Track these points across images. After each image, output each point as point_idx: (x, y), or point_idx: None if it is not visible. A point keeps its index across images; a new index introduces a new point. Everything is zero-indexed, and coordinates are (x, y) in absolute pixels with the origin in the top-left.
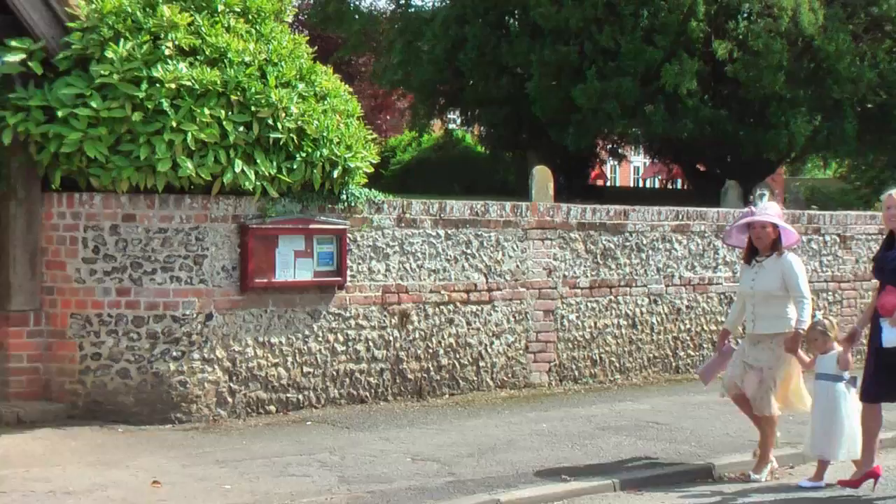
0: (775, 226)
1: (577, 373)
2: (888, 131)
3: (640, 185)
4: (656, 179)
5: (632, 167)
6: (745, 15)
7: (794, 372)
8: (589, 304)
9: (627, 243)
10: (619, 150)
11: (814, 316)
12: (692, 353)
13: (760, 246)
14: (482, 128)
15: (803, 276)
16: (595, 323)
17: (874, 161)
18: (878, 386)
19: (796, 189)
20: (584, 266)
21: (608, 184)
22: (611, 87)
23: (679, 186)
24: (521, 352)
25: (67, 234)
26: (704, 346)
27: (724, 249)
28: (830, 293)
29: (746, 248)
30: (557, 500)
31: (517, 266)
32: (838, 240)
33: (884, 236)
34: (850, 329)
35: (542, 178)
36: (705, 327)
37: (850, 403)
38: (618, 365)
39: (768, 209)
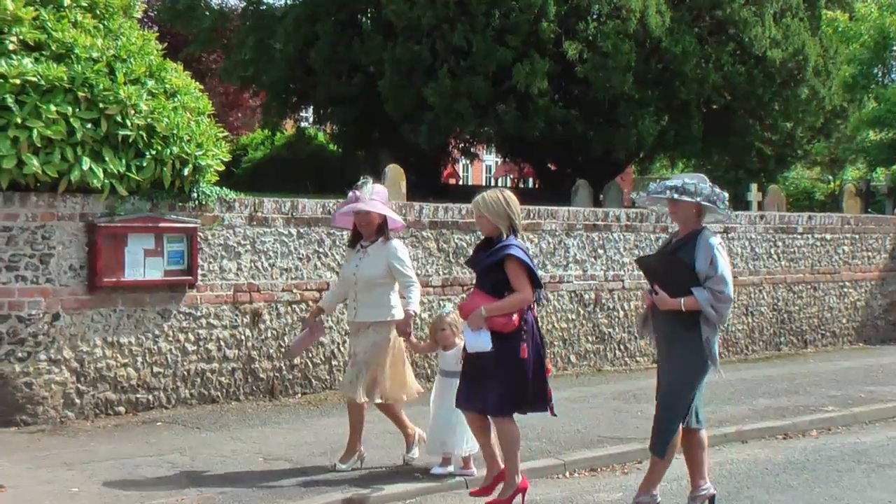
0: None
1: (429, 371)
2: (732, 132)
3: (493, 183)
4: (508, 178)
5: (484, 166)
6: (595, 16)
7: (398, 360)
8: (442, 301)
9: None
10: (472, 149)
11: (443, 307)
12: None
13: (365, 232)
14: (334, 126)
15: (407, 261)
16: None
17: (719, 161)
18: (461, 391)
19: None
20: (437, 264)
21: (461, 182)
22: (463, 86)
23: (531, 185)
24: None
25: None
26: (555, 344)
27: (574, 248)
28: None
29: (351, 233)
30: (410, 497)
31: None
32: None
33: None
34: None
35: (394, 176)
36: (556, 325)
37: None
38: None
39: (375, 195)
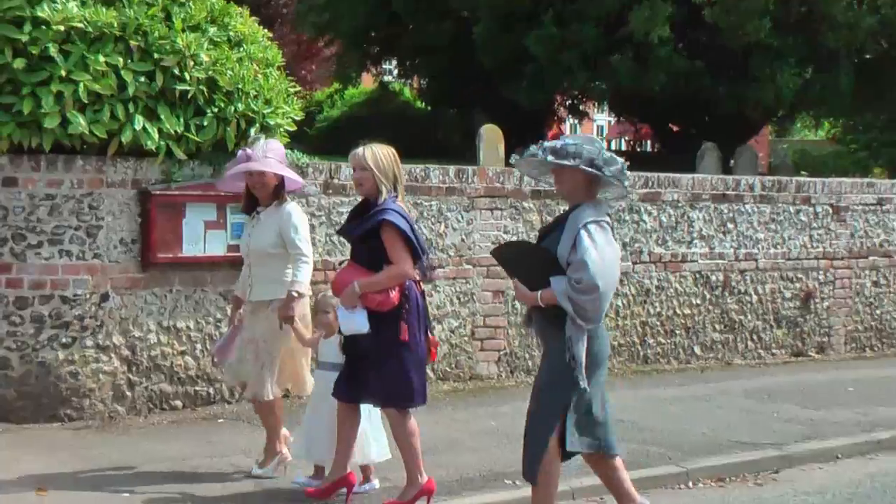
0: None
1: (530, 363)
2: (888, 86)
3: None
4: (622, 141)
5: (595, 126)
6: None
7: (297, 349)
8: None
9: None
10: (581, 107)
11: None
12: (663, 341)
13: (260, 196)
14: (422, 80)
15: (304, 229)
16: None
17: (872, 120)
18: (339, 379)
19: (783, 152)
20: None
21: None
22: (570, 35)
23: (648, 149)
24: (466, 339)
25: None
26: (677, 332)
27: (699, 222)
28: (821, 272)
29: (245, 197)
30: None
31: (462, 240)
32: (831, 211)
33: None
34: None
35: (490, 138)
36: (678, 311)
37: None
38: None
39: (269, 152)
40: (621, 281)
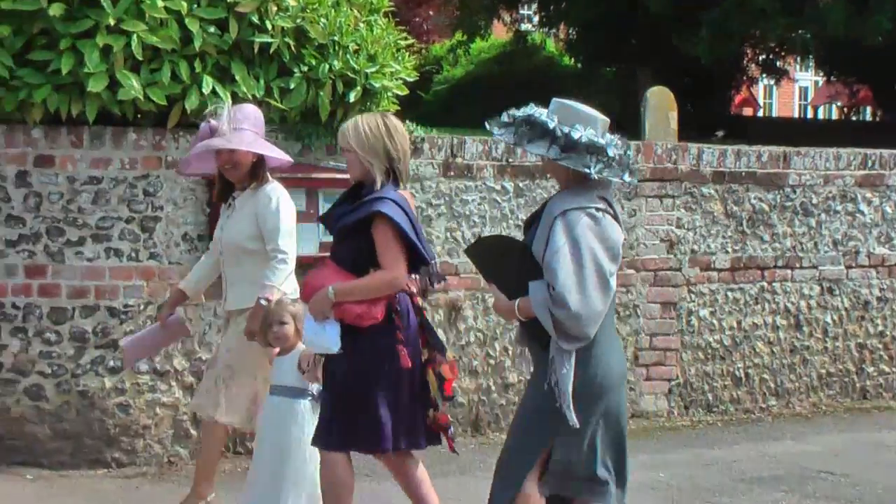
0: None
1: (710, 396)
2: None
3: (809, 115)
4: (833, 107)
5: (797, 88)
6: None
7: (263, 369)
8: (730, 293)
9: (789, 203)
10: (778, 63)
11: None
12: (887, 369)
13: (234, 178)
14: (570, 30)
15: (286, 216)
16: (739, 322)
17: None
18: (334, 424)
19: None
20: (724, 237)
21: (761, 113)
22: None
23: (867, 117)
24: (627, 364)
25: None
26: None
27: None
28: None
29: (218, 181)
30: None
31: (626, 237)
32: None
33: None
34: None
35: (659, 103)
36: None
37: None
38: (773, 385)
39: (242, 122)
40: (831, 289)
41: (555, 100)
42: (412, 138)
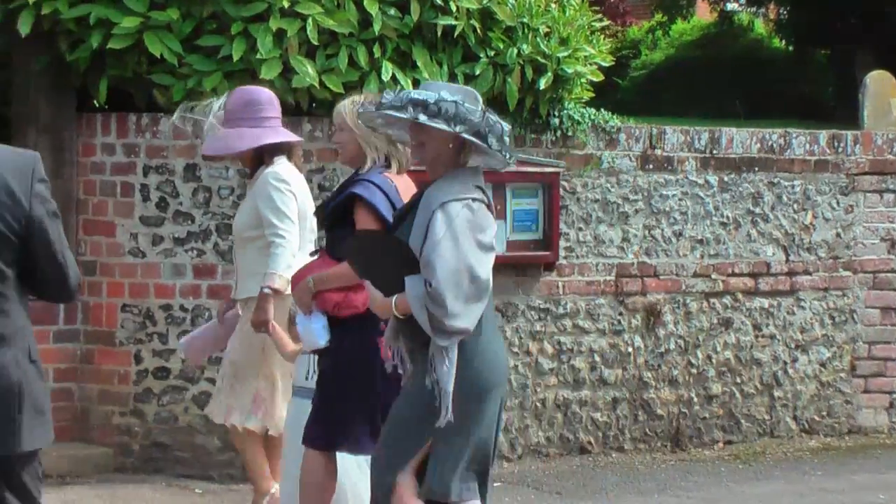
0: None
1: None
2: None
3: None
4: None
5: None
6: None
7: (276, 367)
8: None
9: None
10: None
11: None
12: None
13: (244, 165)
14: (781, 9)
15: (282, 201)
16: None
17: None
18: (318, 422)
19: None
20: None
21: None
22: None
23: None
24: (842, 375)
25: (117, 178)
26: None
27: None
28: None
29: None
30: None
31: (837, 235)
32: None
33: None
34: None
35: (880, 91)
36: None
37: None
38: None
39: (235, 112)
40: None
41: (456, 85)
42: (607, 127)
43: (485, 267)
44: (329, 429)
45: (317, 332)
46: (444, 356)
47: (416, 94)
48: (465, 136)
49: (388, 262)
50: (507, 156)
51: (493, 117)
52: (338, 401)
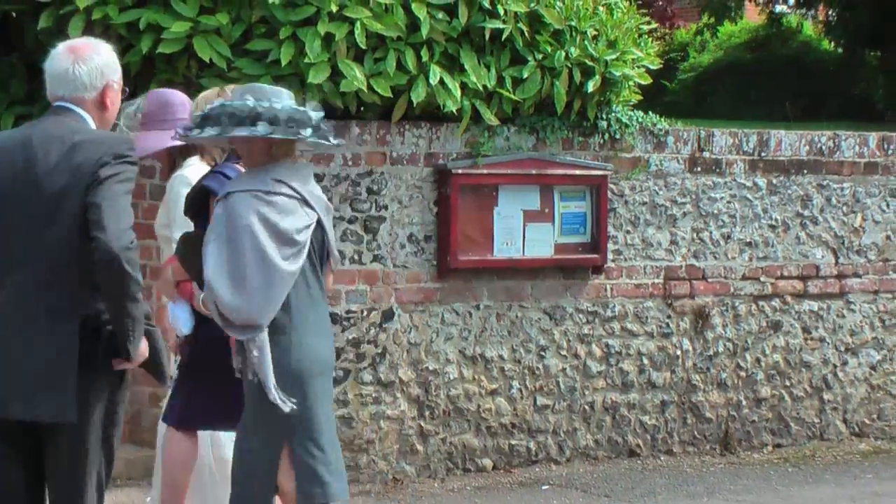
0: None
1: None
2: None
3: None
4: None
5: None
6: None
7: None
8: None
9: None
10: None
11: None
12: None
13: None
14: (830, 11)
15: (175, 207)
16: None
17: None
18: (189, 400)
19: None
20: None
21: None
22: None
23: None
24: (893, 378)
25: (165, 183)
26: None
27: None
28: None
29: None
30: None
31: (888, 238)
32: None
33: None
34: None
35: None
36: None
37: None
38: None
39: (149, 115)
40: None
41: (237, 87)
42: (655, 130)
43: (270, 258)
44: (188, 406)
45: (180, 319)
46: (251, 347)
47: (201, 112)
48: (266, 134)
49: (199, 259)
50: (332, 140)
51: (282, 104)
52: (196, 381)
